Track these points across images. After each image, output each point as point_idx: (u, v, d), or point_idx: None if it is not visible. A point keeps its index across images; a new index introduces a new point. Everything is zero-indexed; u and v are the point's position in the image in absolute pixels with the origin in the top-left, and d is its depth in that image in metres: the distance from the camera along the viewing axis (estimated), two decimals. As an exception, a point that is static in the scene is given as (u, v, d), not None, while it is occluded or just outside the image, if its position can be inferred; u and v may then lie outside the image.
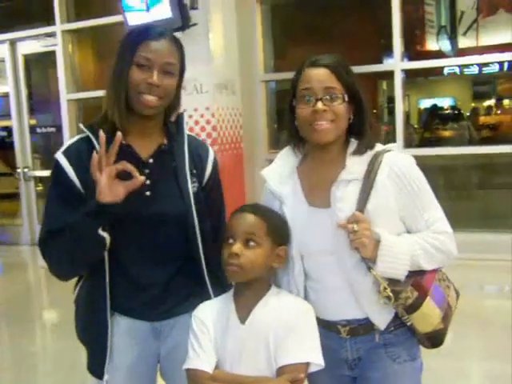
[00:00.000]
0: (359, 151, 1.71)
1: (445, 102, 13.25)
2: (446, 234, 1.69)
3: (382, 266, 1.61)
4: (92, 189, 1.66)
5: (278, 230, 1.65)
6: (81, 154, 1.73)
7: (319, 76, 1.66)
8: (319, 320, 1.70)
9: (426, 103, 12.99)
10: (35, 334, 4.82)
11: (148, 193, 1.74)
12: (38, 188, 8.34)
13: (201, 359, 1.59)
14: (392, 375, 1.70)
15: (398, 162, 1.69)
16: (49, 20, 7.78)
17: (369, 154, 1.71)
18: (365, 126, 1.73)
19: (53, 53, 7.74)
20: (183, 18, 5.42)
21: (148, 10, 5.45)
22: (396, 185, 1.66)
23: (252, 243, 1.58)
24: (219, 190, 1.92)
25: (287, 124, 1.78)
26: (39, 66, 8.94)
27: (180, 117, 1.87)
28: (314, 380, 1.72)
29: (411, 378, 1.74)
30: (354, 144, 1.74)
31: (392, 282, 1.61)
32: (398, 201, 1.67)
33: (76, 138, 1.79)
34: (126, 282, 1.75)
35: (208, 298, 1.79)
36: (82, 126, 1.78)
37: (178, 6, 5.35)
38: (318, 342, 1.60)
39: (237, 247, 1.57)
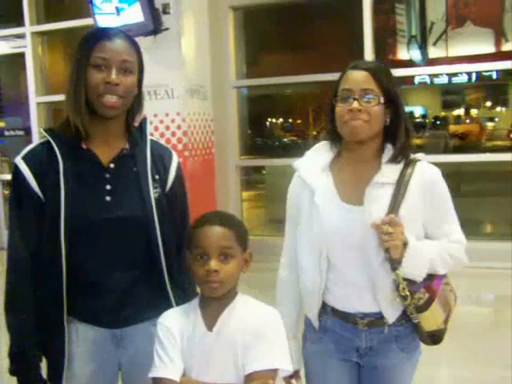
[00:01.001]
0: (394, 159, 1.80)
1: (415, 111, 13.44)
2: (460, 244, 1.84)
3: (406, 267, 1.71)
4: (49, 194, 1.67)
5: (244, 236, 1.64)
6: (40, 159, 1.71)
7: (358, 78, 1.77)
8: (337, 311, 1.83)
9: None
10: (2, 340, 4.72)
11: (108, 198, 1.72)
12: (6, 192, 8.19)
13: (167, 368, 1.57)
14: (399, 365, 1.84)
15: (429, 172, 1.81)
16: (18, 21, 7.67)
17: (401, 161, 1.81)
18: (399, 131, 1.81)
19: (22, 54, 7.63)
20: (155, 22, 5.38)
21: (118, 13, 5.40)
22: (425, 194, 1.78)
23: (228, 256, 1.57)
24: (183, 195, 1.91)
25: (327, 121, 1.89)
26: (8, 68, 8.79)
27: (143, 121, 1.86)
28: (318, 361, 1.83)
29: (413, 367, 1.89)
30: (389, 150, 1.82)
31: (409, 282, 1.72)
32: (424, 209, 1.78)
33: (36, 142, 1.77)
34: (85, 287, 1.72)
35: (169, 304, 1.77)
36: (42, 130, 1.76)
37: (149, 10, 5.32)
38: (287, 348, 1.60)
39: (215, 264, 1.54)
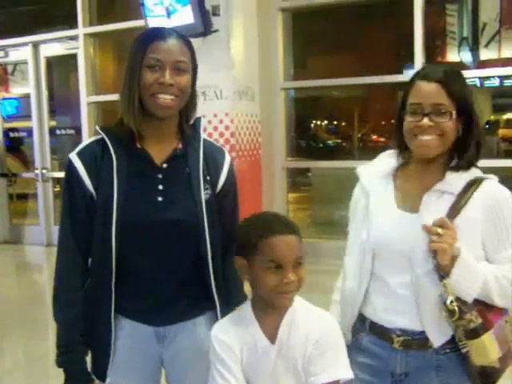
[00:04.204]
0: (458, 166, 1.70)
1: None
2: None
3: (455, 279, 1.59)
4: (102, 191, 1.69)
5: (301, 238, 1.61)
6: (95, 155, 1.73)
7: (429, 92, 1.64)
8: (374, 326, 1.74)
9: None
10: (48, 335, 4.83)
11: (160, 198, 1.72)
12: (56, 189, 8.39)
13: None
14: None
15: (496, 192, 1.68)
16: (71, 23, 7.85)
17: (470, 175, 1.70)
18: (470, 140, 1.69)
19: (74, 56, 7.82)
20: (205, 23, 5.44)
21: (168, 16, 5.48)
22: (487, 214, 1.65)
23: (299, 265, 1.53)
24: (234, 197, 1.89)
25: (394, 131, 1.80)
26: (61, 69, 9.02)
27: (197, 121, 1.85)
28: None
29: None
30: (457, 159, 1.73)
31: (459, 300, 1.59)
32: (484, 229, 1.65)
33: (91, 139, 1.79)
34: (132, 286, 1.74)
35: (213, 306, 1.78)
36: (97, 127, 1.78)
37: (200, 11, 5.38)
38: (346, 355, 1.57)
39: (293, 275, 1.50)
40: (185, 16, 5.38)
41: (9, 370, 4.08)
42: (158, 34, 1.72)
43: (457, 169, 1.70)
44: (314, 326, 1.56)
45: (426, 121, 1.64)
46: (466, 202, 1.64)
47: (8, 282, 6.68)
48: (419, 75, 1.69)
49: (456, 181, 1.68)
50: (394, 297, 1.71)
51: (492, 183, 1.70)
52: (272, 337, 1.55)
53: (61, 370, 1.76)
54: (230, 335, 1.57)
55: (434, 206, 1.67)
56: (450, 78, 1.66)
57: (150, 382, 1.84)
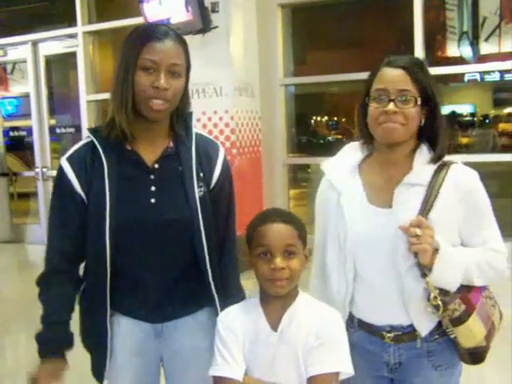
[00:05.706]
0: (431, 160, 1.71)
1: (465, 109, 13.15)
2: (501, 254, 1.71)
3: (437, 274, 1.62)
4: (94, 195, 1.67)
5: (304, 233, 1.63)
6: (85, 160, 1.71)
7: (395, 77, 1.66)
8: (363, 324, 1.76)
9: (445, 110, 12.88)
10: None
11: (153, 200, 1.71)
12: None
13: (231, 367, 1.56)
14: (433, 382, 1.73)
15: (464, 176, 1.71)
16: (70, 21, 7.84)
17: (435, 163, 1.71)
18: (437, 131, 1.71)
19: (74, 54, 7.81)
20: (204, 20, 5.43)
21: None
22: (459, 199, 1.67)
23: (291, 254, 1.56)
24: (229, 191, 1.86)
25: (358, 121, 1.79)
26: (60, 67, 9.01)
27: (188, 117, 1.81)
28: (352, 379, 1.73)
29: None
30: (422, 150, 1.73)
31: (442, 292, 1.63)
32: (458, 214, 1.68)
33: (81, 143, 1.76)
34: (129, 285, 1.73)
35: (212, 302, 1.77)
36: (87, 130, 1.75)
37: (199, 8, 5.36)
38: (348, 350, 1.58)
39: (280, 261, 1.54)
40: (183, 13, 5.37)
41: (10, 370, 4.08)
42: (154, 33, 1.65)
43: (426, 163, 1.70)
44: (316, 319, 1.58)
45: (391, 106, 1.64)
46: (438, 192, 1.66)
47: (9, 281, 6.68)
48: (384, 63, 1.70)
49: (424, 172, 1.69)
50: (379, 296, 1.72)
51: (458, 167, 1.71)
52: (274, 326, 1.58)
53: (66, 372, 1.75)
54: (234, 320, 1.62)
55: (406, 200, 1.67)
56: (415, 65, 1.68)
57: (150, 380, 1.83)
